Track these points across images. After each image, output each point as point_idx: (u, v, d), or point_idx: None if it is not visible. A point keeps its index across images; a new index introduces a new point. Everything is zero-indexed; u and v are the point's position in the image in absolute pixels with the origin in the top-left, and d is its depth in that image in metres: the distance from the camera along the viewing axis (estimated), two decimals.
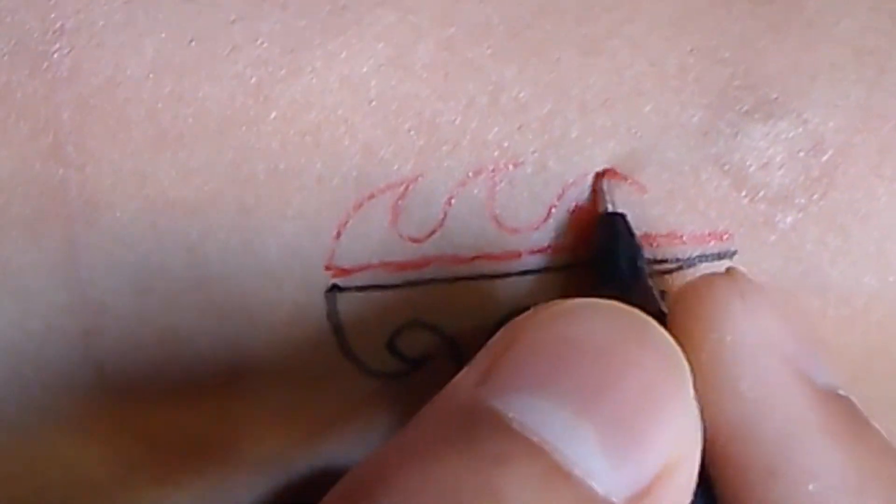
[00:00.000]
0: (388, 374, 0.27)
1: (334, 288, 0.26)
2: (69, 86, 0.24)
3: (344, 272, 0.26)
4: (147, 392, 0.27)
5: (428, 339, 0.27)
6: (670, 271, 0.27)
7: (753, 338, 0.23)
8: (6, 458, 0.28)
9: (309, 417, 0.28)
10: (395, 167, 0.26)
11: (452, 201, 0.26)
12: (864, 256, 0.27)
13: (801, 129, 0.26)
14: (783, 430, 0.23)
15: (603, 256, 0.26)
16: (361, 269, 0.26)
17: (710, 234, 0.27)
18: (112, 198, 0.25)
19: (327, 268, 0.26)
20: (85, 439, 0.27)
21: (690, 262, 0.27)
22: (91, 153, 0.25)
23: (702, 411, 0.22)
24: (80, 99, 0.25)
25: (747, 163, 0.26)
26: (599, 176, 0.26)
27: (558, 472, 0.20)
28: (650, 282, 0.26)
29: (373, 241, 0.26)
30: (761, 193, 0.26)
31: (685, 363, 0.22)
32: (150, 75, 0.25)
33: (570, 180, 0.26)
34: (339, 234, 0.26)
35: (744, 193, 0.26)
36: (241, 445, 0.28)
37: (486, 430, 0.20)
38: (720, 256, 0.27)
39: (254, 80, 0.25)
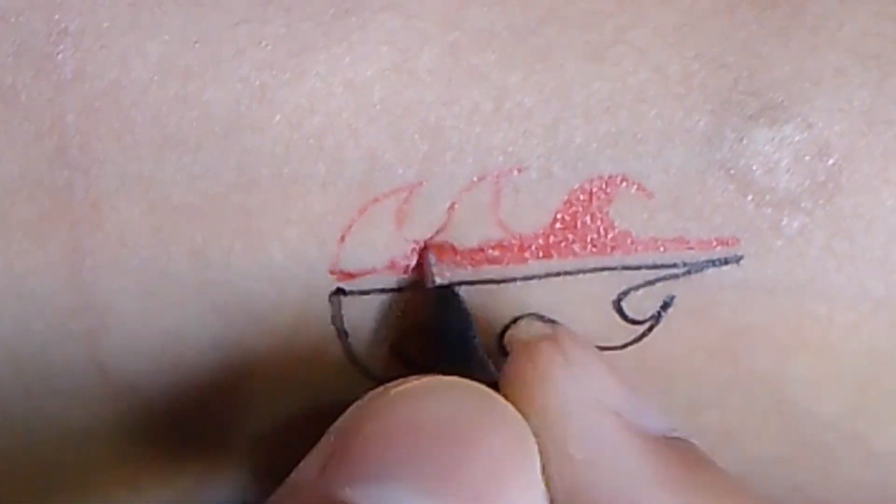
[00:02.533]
0: (392, 378, 0.27)
1: (339, 292, 0.26)
2: (74, 88, 0.24)
3: (348, 276, 0.26)
4: (150, 395, 0.27)
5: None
6: (678, 276, 0.27)
7: (577, 399, 0.23)
8: (8, 459, 0.28)
9: (313, 422, 0.28)
10: (400, 172, 0.26)
11: (457, 206, 0.26)
12: (870, 261, 0.27)
13: (806, 134, 0.26)
14: (616, 489, 0.23)
15: (436, 330, 0.26)
16: (366, 273, 0.26)
17: (716, 240, 0.26)
18: (116, 201, 0.25)
19: (331, 272, 0.26)
20: (88, 441, 0.27)
21: (698, 267, 0.27)
22: (96, 156, 0.25)
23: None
24: (85, 101, 0.25)
25: (753, 167, 0.26)
26: (424, 249, 0.26)
27: None
28: (482, 353, 0.26)
29: (377, 246, 0.26)
30: (767, 198, 0.26)
31: (531, 437, 0.22)
32: (155, 78, 0.25)
33: (575, 186, 0.26)
34: (343, 239, 0.26)
35: (750, 198, 0.26)
36: (245, 449, 0.28)
37: None
38: (727, 261, 0.27)
39: (258, 83, 0.25)
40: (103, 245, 0.25)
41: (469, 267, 0.27)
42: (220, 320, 0.26)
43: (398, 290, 0.27)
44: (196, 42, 0.25)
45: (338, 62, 0.25)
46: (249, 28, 0.25)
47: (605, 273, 0.27)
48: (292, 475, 0.22)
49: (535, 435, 0.23)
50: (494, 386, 0.24)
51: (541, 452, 0.23)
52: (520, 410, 0.23)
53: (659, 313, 0.27)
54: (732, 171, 0.26)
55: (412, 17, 0.26)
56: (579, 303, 0.27)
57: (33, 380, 0.26)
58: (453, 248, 0.26)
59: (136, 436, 0.28)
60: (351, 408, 0.22)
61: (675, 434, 0.24)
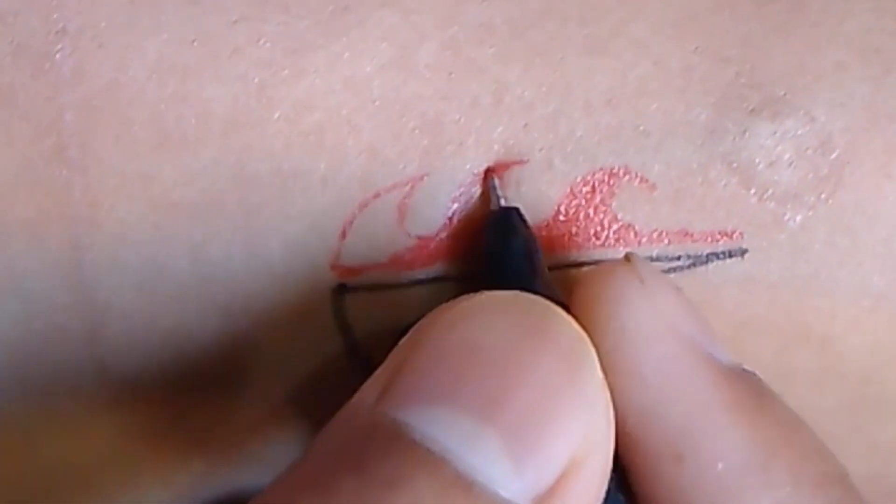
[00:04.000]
0: None
1: (341, 287, 0.26)
2: (72, 87, 0.24)
3: (350, 272, 0.26)
4: (151, 392, 0.27)
5: None
6: (682, 268, 0.27)
7: (654, 323, 0.23)
8: (9, 457, 0.28)
9: (315, 418, 0.28)
10: (401, 167, 0.26)
11: (459, 200, 0.26)
12: (872, 256, 0.26)
13: (808, 128, 0.26)
14: (688, 414, 0.23)
15: (498, 253, 0.26)
16: (368, 268, 0.26)
17: (720, 233, 0.26)
18: (115, 199, 0.25)
19: (333, 267, 0.26)
20: (88, 439, 0.27)
21: (702, 260, 0.27)
22: (94, 155, 0.25)
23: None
24: (84, 100, 0.25)
25: (755, 161, 0.26)
26: (488, 172, 0.26)
27: (460, 483, 0.20)
28: (548, 275, 0.26)
29: (379, 241, 0.26)
30: (770, 192, 0.26)
31: (591, 352, 0.22)
32: (153, 76, 0.25)
33: (577, 179, 0.26)
34: (344, 234, 0.26)
35: (752, 192, 0.26)
36: (246, 446, 0.28)
37: (384, 448, 0.20)
38: (730, 255, 0.27)
39: (257, 80, 0.25)
40: (103, 243, 0.25)
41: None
42: (221, 317, 0.26)
43: (400, 285, 0.27)
44: (194, 40, 0.25)
45: (337, 59, 0.25)
46: (247, 26, 0.25)
47: None
48: (353, 399, 0.22)
49: (609, 354, 0.23)
50: (563, 307, 0.23)
51: (614, 371, 0.23)
52: (593, 330, 0.23)
53: None
54: (735, 165, 0.26)
55: (410, 12, 0.26)
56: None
57: (33, 378, 0.26)
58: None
59: (136, 433, 0.28)
60: (411, 329, 0.22)
61: (747, 368, 0.24)
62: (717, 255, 0.27)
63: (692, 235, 0.27)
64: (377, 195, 0.26)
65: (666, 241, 0.27)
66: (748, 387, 0.24)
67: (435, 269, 0.27)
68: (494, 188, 0.26)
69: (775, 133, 0.26)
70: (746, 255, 0.27)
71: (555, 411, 0.21)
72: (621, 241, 0.27)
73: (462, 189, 0.26)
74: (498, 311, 0.22)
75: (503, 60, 0.26)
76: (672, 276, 0.27)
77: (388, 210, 0.26)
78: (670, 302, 0.24)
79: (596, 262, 0.27)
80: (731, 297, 0.27)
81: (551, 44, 0.26)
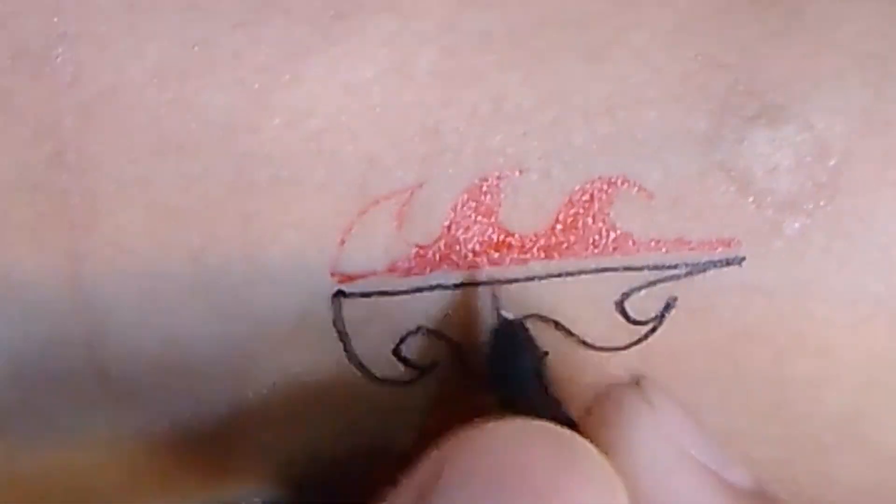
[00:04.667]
0: (394, 380, 0.27)
1: (339, 294, 0.26)
2: (71, 91, 0.24)
3: (349, 278, 0.26)
4: (149, 398, 0.27)
5: (434, 345, 0.27)
6: (680, 277, 0.27)
7: (663, 447, 0.23)
8: (8, 463, 0.28)
9: (314, 424, 0.28)
10: (399, 174, 0.26)
11: (457, 208, 0.26)
12: (870, 263, 0.26)
13: (806, 135, 0.26)
14: None
15: (504, 369, 0.26)
16: (367, 275, 0.26)
17: (717, 241, 0.26)
18: (114, 205, 0.25)
19: (332, 274, 0.26)
20: (87, 445, 0.27)
21: (700, 268, 0.27)
22: (93, 160, 0.25)
23: None
24: (82, 105, 0.25)
25: (753, 168, 0.26)
26: (493, 285, 0.26)
27: None
28: (557, 392, 0.26)
29: (378, 248, 0.26)
30: (768, 199, 0.26)
31: (621, 488, 0.22)
32: (152, 81, 0.25)
33: (576, 187, 0.26)
34: (343, 241, 0.26)
35: (750, 199, 0.26)
36: (245, 453, 0.28)
37: None
38: (728, 263, 0.27)
39: (256, 86, 0.25)
40: (101, 248, 0.25)
41: (470, 268, 0.27)
42: (220, 323, 0.26)
43: (399, 292, 0.27)
44: (193, 45, 0.25)
45: (336, 65, 0.25)
46: (247, 31, 0.25)
47: (607, 274, 0.27)
48: None
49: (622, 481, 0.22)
50: (570, 423, 0.23)
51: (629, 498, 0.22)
52: (606, 454, 0.23)
53: (661, 314, 0.27)
54: (733, 173, 0.26)
55: (410, 19, 0.26)
56: (582, 303, 0.27)
57: (32, 383, 0.26)
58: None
59: (135, 439, 0.28)
60: (440, 445, 0.22)
61: (761, 488, 0.24)
62: (714, 264, 0.27)
63: (690, 244, 0.27)
64: (375, 202, 0.26)
65: (664, 249, 0.27)
66: None
67: (433, 276, 0.27)
68: (497, 300, 0.26)
69: (773, 140, 0.26)
70: (744, 263, 0.27)
71: None
72: (619, 249, 0.27)
73: (460, 197, 0.26)
74: (528, 436, 0.21)
75: (502, 68, 0.26)
76: (670, 284, 0.27)
77: (386, 217, 0.26)
78: (679, 426, 0.24)
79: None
80: (728, 305, 0.27)
81: (550, 52, 0.26)
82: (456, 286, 0.27)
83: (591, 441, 0.23)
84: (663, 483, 0.23)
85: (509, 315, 0.26)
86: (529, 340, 0.26)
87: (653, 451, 0.23)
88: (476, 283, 0.27)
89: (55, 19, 0.24)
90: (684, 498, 0.23)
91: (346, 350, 0.27)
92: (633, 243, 0.27)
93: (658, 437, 0.23)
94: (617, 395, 0.24)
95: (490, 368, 0.26)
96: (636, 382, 0.24)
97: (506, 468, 0.21)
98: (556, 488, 0.21)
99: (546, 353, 0.26)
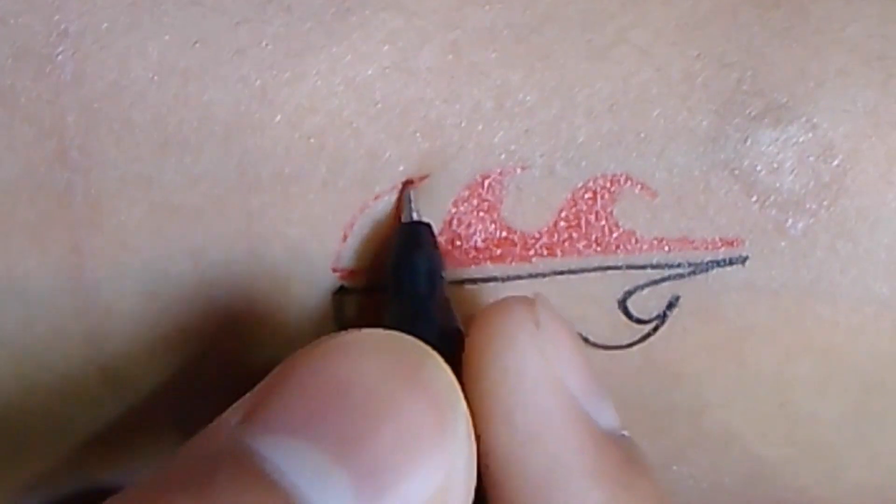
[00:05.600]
0: None
1: (342, 290, 0.26)
2: (74, 89, 0.24)
3: (351, 274, 0.26)
4: (152, 396, 0.27)
5: None
6: (683, 276, 0.27)
7: (537, 371, 0.23)
8: (11, 462, 0.28)
9: None
10: (401, 170, 0.26)
11: (459, 204, 0.26)
12: (875, 263, 0.26)
13: (810, 135, 0.26)
14: (550, 469, 0.23)
15: (401, 267, 0.26)
16: (369, 271, 0.26)
17: (721, 240, 0.26)
18: (117, 202, 0.25)
19: (334, 270, 0.26)
20: (90, 442, 0.27)
21: (703, 268, 0.27)
22: (96, 157, 0.25)
23: (479, 442, 0.22)
24: (85, 103, 0.25)
25: (757, 168, 0.26)
26: (406, 184, 0.26)
27: None
28: (447, 295, 0.26)
29: (380, 244, 0.26)
30: (771, 199, 0.26)
31: (459, 402, 0.22)
32: (155, 79, 0.25)
33: (579, 185, 0.26)
34: (345, 237, 0.26)
35: (754, 199, 0.26)
36: None
37: (231, 474, 0.20)
38: (731, 262, 0.27)
39: (258, 83, 0.25)
40: (104, 246, 0.25)
41: (473, 265, 0.27)
42: (223, 320, 0.26)
43: None
44: (196, 42, 0.25)
45: (338, 61, 0.25)
46: (249, 28, 0.25)
47: (610, 272, 0.27)
48: (218, 418, 0.22)
49: (487, 393, 0.23)
50: (455, 333, 0.24)
51: (489, 412, 0.23)
52: (478, 365, 0.23)
53: (664, 313, 0.27)
54: (736, 172, 0.26)
55: (413, 15, 0.26)
56: (584, 301, 0.27)
57: (34, 381, 0.26)
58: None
59: (138, 437, 0.28)
60: (285, 359, 0.22)
61: (624, 433, 0.24)
62: (718, 263, 0.27)
63: (693, 242, 0.26)
64: (378, 198, 0.26)
65: (667, 248, 0.27)
66: (619, 456, 0.24)
67: None
68: (409, 200, 0.26)
69: (777, 140, 0.26)
70: (748, 263, 0.27)
71: (411, 458, 0.21)
72: (622, 248, 0.27)
73: (462, 193, 0.26)
74: (372, 351, 0.22)
75: (505, 65, 0.26)
76: (673, 283, 0.27)
77: (388, 213, 0.26)
78: (561, 353, 0.23)
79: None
80: (732, 305, 0.27)
81: (554, 49, 0.26)
82: (458, 282, 0.27)
83: (473, 349, 0.23)
84: (527, 406, 0.23)
85: (417, 216, 0.26)
86: (430, 244, 0.26)
87: (528, 370, 0.23)
88: (478, 280, 0.27)
89: (56, 17, 0.24)
90: (546, 423, 0.23)
91: None
92: (636, 241, 0.27)
93: (534, 359, 0.23)
94: (506, 309, 0.24)
95: (391, 263, 0.26)
96: (531, 299, 0.24)
97: (340, 376, 0.21)
98: (389, 401, 0.21)
99: (442, 258, 0.26)
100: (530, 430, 0.23)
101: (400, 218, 0.26)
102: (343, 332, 0.22)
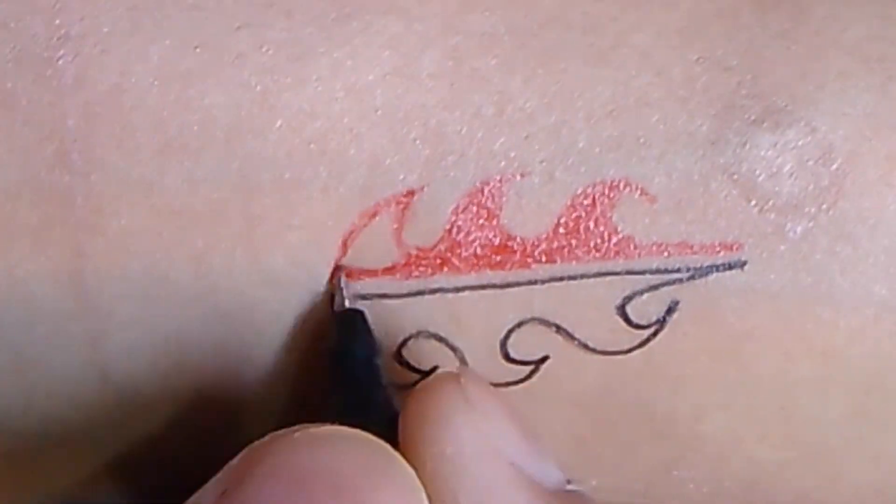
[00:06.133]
0: (395, 384, 0.27)
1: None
2: (74, 93, 0.24)
3: (351, 280, 0.26)
4: (152, 400, 0.27)
5: (436, 348, 0.27)
6: (682, 280, 0.27)
7: (474, 446, 0.23)
8: (11, 463, 0.28)
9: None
10: (401, 176, 0.26)
11: (459, 211, 0.26)
12: (874, 266, 0.26)
13: (809, 138, 0.26)
14: None
15: (340, 356, 0.26)
16: (368, 277, 0.26)
17: (720, 244, 0.26)
18: (118, 206, 0.25)
19: (333, 276, 0.26)
20: (89, 446, 0.27)
21: (702, 272, 0.27)
22: (97, 161, 0.25)
23: None
24: (86, 106, 0.25)
25: (756, 172, 0.26)
26: (335, 272, 0.26)
27: None
28: (387, 383, 0.26)
29: (379, 250, 0.26)
30: (771, 203, 0.26)
31: (422, 495, 0.22)
32: (156, 83, 0.25)
33: (578, 190, 0.26)
34: (345, 243, 0.26)
35: (753, 203, 0.26)
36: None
37: None
38: (731, 266, 0.27)
39: (259, 88, 0.25)
40: (105, 250, 0.25)
41: (472, 272, 0.27)
42: (222, 325, 0.26)
43: (400, 295, 0.27)
44: (197, 47, 0.25)
45: (339, 66, 0.25)
46: (250, 32, 0.25)
47: (610, 278, 0.27)
48: (195, 496, 0.22)
49: (429, 478, 0.23)
50: (397, 418, 0.24)
51: (436, 495, 0.23)
52: (416, 451, 0.23)
53: (664, 318, 0.27)
54: (736, 176, 0.26)
55: (413, 20, 0.26)
56: (584, 307, 0.27)
57: (35, 384, 0.26)
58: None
59: (137, 441, 0.28)
60: (249, 447, 0.22)
61: (571, 488, 0.24)
62: (717, 267, 0.27)
63: (692, 247, 0.27)
64: (378, 204, 0.26)
65: (666, 253, 0.27)
66: None
67: (434, 279, 0.27)
68: (341, 288, 0.26)
69: (776, 144, 0.26)
70: (747, 267, 0.27)
71: None
72: (621, 253, 0.27)
73: (462, 200, 0.26)
74: (335, 443, 0.22)
75: (506, 70, 0.26)
76: (672, 288, 0.27)
77: (388, 220, 0.26)
78: (495, 423, 0.23)
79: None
80: (732, 309, 0.27)
81: (554, 54, 0.26)
82: (458, 290, 0.27)
83: (409, 434, 0.23)
84: (473, 482, 0.23)
85: (348, 303, 0.26)
86: (366, 331, 0.26)
87: (465, 449, 0.23)
88: (477, 287, 0.27)
89: (58, 21, 0.24)
90: (490, 497, 0.23)
91: None
92: (636, 247, 0.27)
93: (472, 434, 0.23)
94: (435, 388, 0.24)
95: (329, 358, 0.26)
96: (456, 375, 0.24)
97: (308, 472, 0.21)
98: (356, 494, 0.21)
99: (377, 343, 0.26)
100: None
101: (334, 307, 0.26)
102: (304, 426, 0.22)
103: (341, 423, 0.22)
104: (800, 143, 0.26)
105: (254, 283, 0.26)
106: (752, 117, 0.26)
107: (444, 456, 0.23)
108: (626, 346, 0.27)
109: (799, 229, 0.26)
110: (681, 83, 0.26)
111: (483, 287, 0.27)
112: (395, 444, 0.23)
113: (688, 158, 0.26)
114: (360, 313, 0.26)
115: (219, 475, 0.22)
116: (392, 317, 0.27)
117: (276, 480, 0.21)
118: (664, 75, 0.26)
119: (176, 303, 0.26)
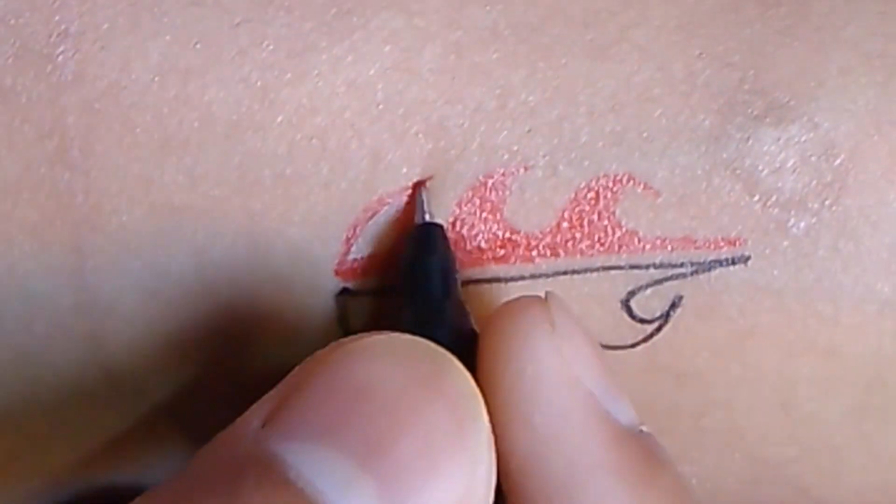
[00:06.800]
0: None
1: (344, 292, 0.26)
2: (74, 89, 0.24)
3: (354, 276, 0.26)
4: (154, 396, 0.27)
5: None
6: (685, 275, 0.27)
7: (554, 372, 0.23)
8: (12, 459, 0.28)
9: None
10: (404, 171, 0.26)
11: (462, 205, 0.26)
12: (877, 262, 0.26)
13: (812, 134, 0.26)
14: (572, 471, 0.23)
15: (415, 269, 0.26)
16: (371, 273, 0.26)
17: (723, 240, 0.26)
18: (118, 202, 0.25)
19: (336, 272, 0.26)
20: (91, 442, 0.27)
21: (705, 267, 0.26)
22: (97, 157, 0.25)
23: (498, 444, 0.22)
24: (86, 103, 0.25)
25: (759, 167, 0.26)
26: (417, 185, 0.26)
27: None
28: (461, 296, 0.26)
29: (382, 245, 0.26)
30: (774, 198, 0.26)
31: (481, 409, 0.22)
32: (156, 79, 0.25)
33: (581, 185, 0.26)
34: (347, 238, 0.26)
35: (756, 198, 0.26)
36: None
37: (257, 481, 0.20)
38: (734, 262, 0.26)
39: (259, 83, 0.25)
40: (105, 246, 0.25)
41: (476, 266, 0.27)
42: (224, 321, 0.26)
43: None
44: (197, 43, 0.25)
45: (340, 62, 0.25)
46: (250, 28, 0.25)
47: (613, 272, 0.27)
48: (236, 421, 0.22)
49: (505, 396, 0.23)
50: (471, 334, 0.23)
51: (507, 414, 0.23)
52: (495, 368, 0.23)
53: (667, 313, 0.27)
54: (738, 171, 0.26)
55: (414, 15, 0.26)
56: (587, 301, 0.27)
57: (36, 380, 0.26)
58: None
59: (139, 437, 0.28)
60: (303, 362, 0.22)
61: (644, 429, 0.24)
62: (720, 262, 0.27)
63: (696, 242, 0.26)
64: (380, 199, 0.26)
65: (669, 248, 0.26)
66: (640, 452, 0.23)
67: None
68: (422, 202, 0.26)
69: (779, 139, 0.26)
70: (750, 262, 0.26)
71: (435, 465, 0.21)
72: (624, 247, 0.26)
73: (465, 194, 0.26)
74: (393, 355, 0.21)
75: (507, 65, 0.26)
76: (676, 283, 0.27)
77: (390, 214, 0.26)
78: (578, 351, 0.23)
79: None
80: (734, 305, 0.27)
81: (555, 48, 0.26)
82: (462, 283, 0.27)
83: (488, 350, 0.23)
84: (546, 406, 0.23)
85: (430, 217, 0.26)
86: (443, 245, 0.26)
87: (545, 371, 0.23)
88: (481, 280, 0.27)
89: (57, 17, 0.24)
90: (566, 422, 0.23)
91: None
92: (639, 241, 0.27)
93: (550, 359, 0.23)
94: (521, 308, 0.23)
95: (404, 265, 0.26)
96: (543, 298, 0.24)
97: (362, 381, 0.21)
98: (412, 407, 0.21)
99: (455, 258, 0.26)
100: (550, 430, 0.23)
101: (412, 219, 0.26)
102: (362, 336, 0.22)
103: (412, 334, 0.22)
104: (802, 138, 0.26)
105: (255, 278, 0.26)
106: (755, 113, 0.26)
107: (524, 375, 0.23)
108: (630, 341, 0.27)
109: (802, 225, 0.26)
110: (683, 78, 0.26)
111: (487, 281, 0.27)
112: (467, 360, 0.22)
113: (690, 154, 0.26)
114: (440, 227, 0.26)
115: (272, 391, 0.22)
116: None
117: (329, 392, 0.21)
118: (666, 70, 0.26)
119: (177, 298, 0.26)
